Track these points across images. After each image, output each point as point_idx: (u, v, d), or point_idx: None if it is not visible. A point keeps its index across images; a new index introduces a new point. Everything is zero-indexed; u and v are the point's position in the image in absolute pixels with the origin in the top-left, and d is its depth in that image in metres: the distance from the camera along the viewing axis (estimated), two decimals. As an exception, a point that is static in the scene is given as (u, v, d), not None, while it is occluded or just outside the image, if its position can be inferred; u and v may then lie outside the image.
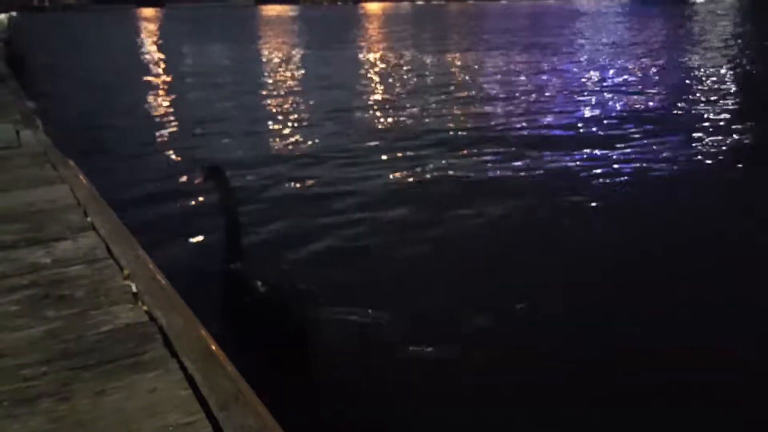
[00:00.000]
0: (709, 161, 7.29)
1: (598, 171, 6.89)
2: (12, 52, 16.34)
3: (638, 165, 7.05)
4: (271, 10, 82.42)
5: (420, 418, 2.93)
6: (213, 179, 3.61)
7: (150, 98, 13.20)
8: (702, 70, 15.45)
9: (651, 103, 10.98)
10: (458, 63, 19.22)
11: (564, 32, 31.19)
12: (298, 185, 6.55)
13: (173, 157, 7.81)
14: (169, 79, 16.93)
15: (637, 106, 10.79)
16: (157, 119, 10.66)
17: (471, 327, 3.67)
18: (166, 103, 12.61)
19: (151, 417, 1.60)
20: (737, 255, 4.59)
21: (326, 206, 5.82)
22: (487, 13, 62.42)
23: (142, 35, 38.33)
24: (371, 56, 21.95)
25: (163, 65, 20.80)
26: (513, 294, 4.01)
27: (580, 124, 9.33)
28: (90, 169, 4.21)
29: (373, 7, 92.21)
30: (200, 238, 4.70)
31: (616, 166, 7.06)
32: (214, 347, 1.99)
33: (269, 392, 1.91)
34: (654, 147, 7.78)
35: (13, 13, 68.46)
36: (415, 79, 15.42)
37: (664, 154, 7.43)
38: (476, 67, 18.17)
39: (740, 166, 7.08)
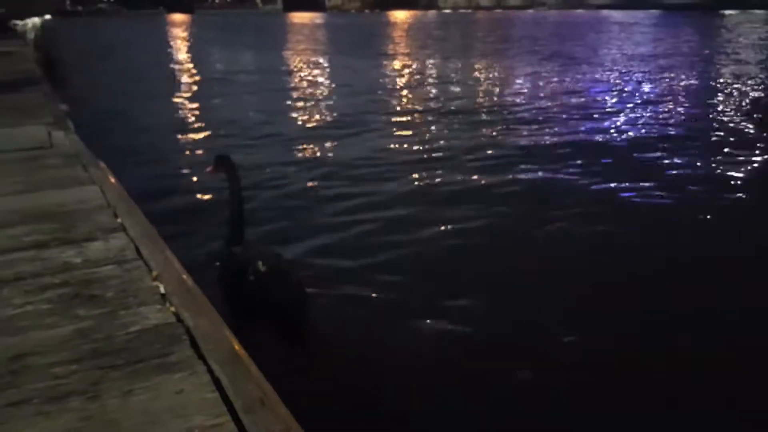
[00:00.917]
0: (737, 176, 7.18)
1: (621, 183, 6.83)
2: (45, 55, 16.68)
3: (663, 179, 6.97)
4: (299, 18, 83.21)
5: (423, 411, 3.01)
6: (223, 168, 3.84)
7: (178, 101, 13.39)
8: (731, 83, 15.23)
9: (679, 116, 10.85)
10: (482, 71, 19.18)
11: (592, 42, 31.02)
12: (311, 184, 6.69)
13: (198, 157, 7.97)
14: (197, 82, 17.16)
15: (663, 118, 10.67)
16: (184, 121, 10.83)
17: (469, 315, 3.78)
18: (193, 106, 12.78)
19: (178, 418, 1.61)
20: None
21: (336, 205, 6.02)
22: (515, 22, 62.26)
23: (172, 40, 38.90)
24: (395, 63, 22.02)
25: (192, 69, 21.09)
26: (526, 296, 4.04)
27: (603, 135, 9.26)
28: (119, 169, 4.30)
29: (399, 15, 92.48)
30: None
31: (642, 182, 6.96)
32: (239, 350, 2.00)
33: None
34: (680, 162, 7.69)
35: (47, 17, 69.85)
36: (437, 88, 15.41)
37: (690, 171, 7.32)
38: (500, 75, 18.14)
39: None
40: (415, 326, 3.71)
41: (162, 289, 2.33)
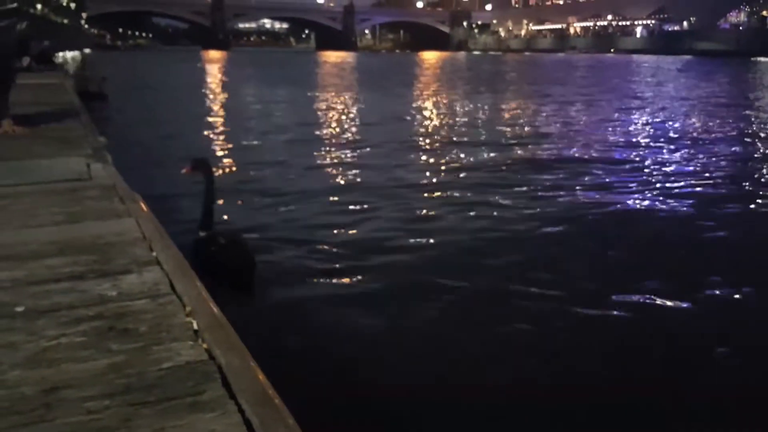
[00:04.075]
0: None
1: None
2: (85, 88, 17.15)
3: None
4: (331, 56, 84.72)
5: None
6: (199, 169, 4.77)
7: (211, 134, 13.70)
8: (759, 131, 15.09)
9: (707, 163, 10.76)
10: (509, 111, 19.30)
11: (618, 85, 31.01)
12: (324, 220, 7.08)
13: (229, 187, 8.27)
14: (230, 116, 17.55)
15: (689, 162, 10.61)
16: (217, 154, 11.06)
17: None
18: (226, 138, 13.18)
19: (209, 459, 1.59)
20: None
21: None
22: (543, 64, 62.60)
23: (208, 75, 39.85)
24: (422, 101, 22.26)
25: (225, 103, 21.57)
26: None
27: (630, 177, 9.28)
28: (153, 202, 4.38)
29: (429, 56, 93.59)
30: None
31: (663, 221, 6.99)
32: (270, 391, 1.98)
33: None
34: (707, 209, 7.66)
35: (87, 51, 72.10)
36: (464, 127, 15.53)
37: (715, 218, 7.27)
38: (525, 114, 18.25)
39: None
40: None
41: (195, 325, 2.32)
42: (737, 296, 4.80)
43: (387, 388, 3.47)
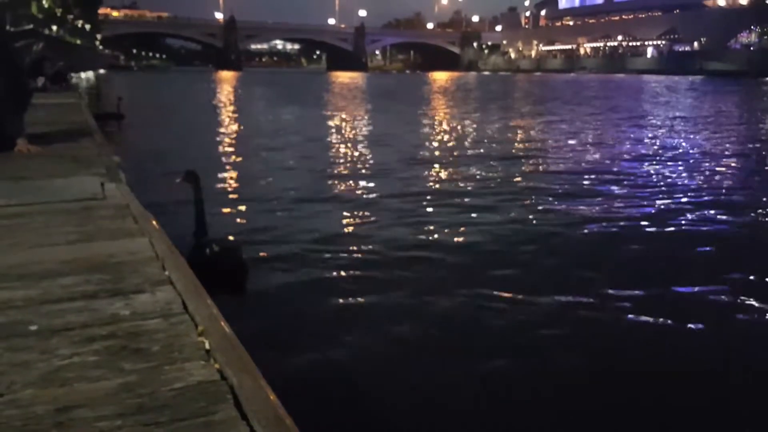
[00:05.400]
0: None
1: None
2: (102, 108, 17.37)
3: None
4: (343, 77, 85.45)
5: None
6: (189, 180, 5.25)
7: (223, 152, 13.85)
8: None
9: (711, 180, 10.75)
10: (518, 129, 19.36)
11: (627, 104, 31.04)
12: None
13: (236, 205, 8.43)
14: (241, 135, 17.70)
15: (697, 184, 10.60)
16: (229, 174, 11.18)
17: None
18: (235, 154, 13.29)
19: (221, 481, 1.59)
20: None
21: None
22: (554, 84, 62.78)
23: (220, 95, 40.25)
24: (430, 121, 22.36)
25: (238, 122, 21.78)
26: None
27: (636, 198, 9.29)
28: (165, 221, 4.43)
29: (439, 76, 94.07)
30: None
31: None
32: (281, 411, 1.97)
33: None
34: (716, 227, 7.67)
35: (101, 71, 73.02)
36: (471, 145, 15.58)
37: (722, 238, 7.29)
38: (535, 134, 18.30)
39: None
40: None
41: (207, 345, 2.32)
42: (738, 311, 4.80)
43: (394, 405, 3.47)
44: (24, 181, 5.28)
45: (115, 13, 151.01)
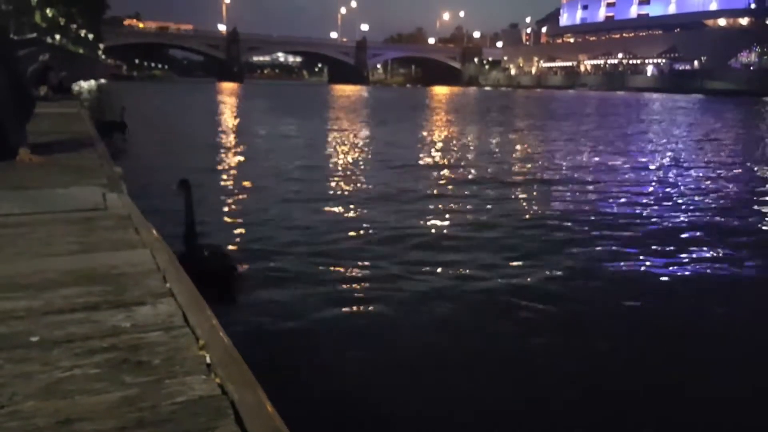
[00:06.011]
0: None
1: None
2: (104, 117, 17.40)
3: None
4: (344, 89, 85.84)
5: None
6: (182, 188, 5.53)
7: (224, 166, 13.85)
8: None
9: (712, 204, 10.77)
10: (517, 143, 19.44)
11: (626, 122, 31.17)
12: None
13: (236, 218, 8.46)
14: (241, 146, 17.74)
15: (693, 204, 10.63)
16: (230, 187, 11.19)
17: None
18: (236, 164, 13.35)
19: (222, 498, 1.58)
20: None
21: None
22: (554, 101, 63.02)
23: (222, 106, 40.39)
24: (428, 134, 22.45)
25: (239, 133, 21.86)
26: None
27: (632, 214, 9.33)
28: (165, 232, 4.44)
29: (440, 91, 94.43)
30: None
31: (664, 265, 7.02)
32: (282, 428, 1.97)
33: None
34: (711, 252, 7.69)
35: (103, 81, 73.24)
36: (470, 159, 15.62)
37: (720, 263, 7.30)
38: (533, 146, 18.38)
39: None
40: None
41: (208, 359, 2.32)
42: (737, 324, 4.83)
43: (396, 419, 3.47)
44: (26, 190, 5.29)
45: (140, 25, 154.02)
